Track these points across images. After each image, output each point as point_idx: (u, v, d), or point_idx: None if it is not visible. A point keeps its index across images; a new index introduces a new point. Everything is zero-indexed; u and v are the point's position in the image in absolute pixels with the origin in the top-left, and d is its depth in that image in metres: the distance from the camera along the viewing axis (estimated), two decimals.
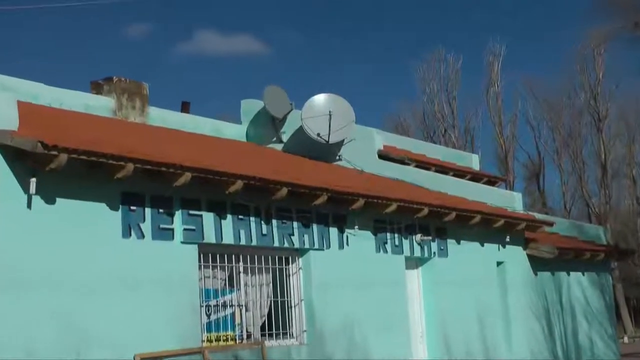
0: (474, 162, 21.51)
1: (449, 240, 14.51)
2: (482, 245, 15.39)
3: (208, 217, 10.26)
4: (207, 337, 10.31)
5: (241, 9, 67.92)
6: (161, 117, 14.55)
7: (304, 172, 13.42)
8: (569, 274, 18.25)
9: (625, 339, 39.08)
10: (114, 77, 13.91)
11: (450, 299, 14.24)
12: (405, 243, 13.53)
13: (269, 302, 11.43)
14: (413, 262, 14.00)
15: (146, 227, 9.49)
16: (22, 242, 8.33)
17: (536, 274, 17.00)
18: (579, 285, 18.61)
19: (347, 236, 12.34)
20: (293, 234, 11.45)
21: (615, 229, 42.91)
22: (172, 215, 9.81)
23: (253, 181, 10.35)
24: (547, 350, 16.94)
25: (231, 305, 10.77)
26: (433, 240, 14.09)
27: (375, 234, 12.89)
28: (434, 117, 48.86)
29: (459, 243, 14.73)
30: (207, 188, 10.14)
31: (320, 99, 16.04)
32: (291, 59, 68.72)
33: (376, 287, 12.70)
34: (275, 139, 16.25)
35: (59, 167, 8.35)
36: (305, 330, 11.58)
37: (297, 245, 11.53)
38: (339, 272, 12.07)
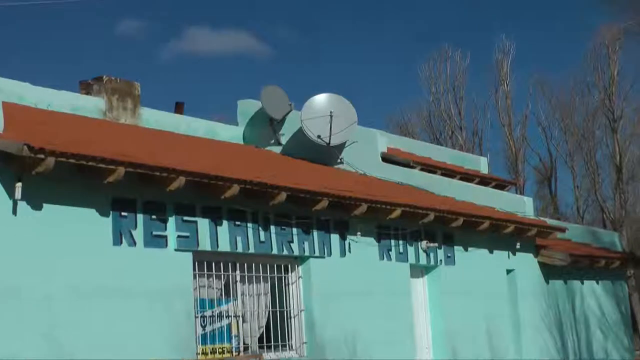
0: (482, 165, 21.53)
1: (456, 247, 14.51)
2: (491, 253, 15.38)
3: (203, 224, 10.26)
4: (202, 349, 10.30)
5: (236, 3, 68.01)
6: (154, 118, 14.56)
7: (303, 176, 13.42)
8: (582, 283, 18.24)
9: None
10: (104, 77, 13.93)
11: (457, 309, 14.24)
12: (410, 250, 13.53)
13: (267, 313, 11.43)
14: (418, 270, 14.00)
15: (138, 234, 9.49)
16: (7, 251, 8.32)
17: (548, 283, 17.00)
18: (593, 295, 18.60)
19: (349, 243, 12.34)
20: (292, 241, 11.45)
21: (631, 235, 42.85)
22: (165, 221, 9.81)
23: (250, 185, 10.35)
24: None
25: (227, 316, 10.77)
26: (439, 247, 14.09)
27: (378, 241, 12.89)
28: (440, 118, 48.83)
29: (466, 250, 14.73)
30: (202, 193, 10.14)
31: (320, 99, 16.06)
32: (290, 57, 68.72)
33: (380, 296, 12.70)
34: (273, 141, 16.27)
35: (46, 171, 8.35)
36: (305, 342, 11.58)
37: (296, 252, 11.53)
38: (340, 280, 12.07)
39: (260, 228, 10.99)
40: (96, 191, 9.06)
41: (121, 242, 9.29)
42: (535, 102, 49.56)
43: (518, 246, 15.94)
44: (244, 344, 10.93)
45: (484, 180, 19.57)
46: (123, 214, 9.36)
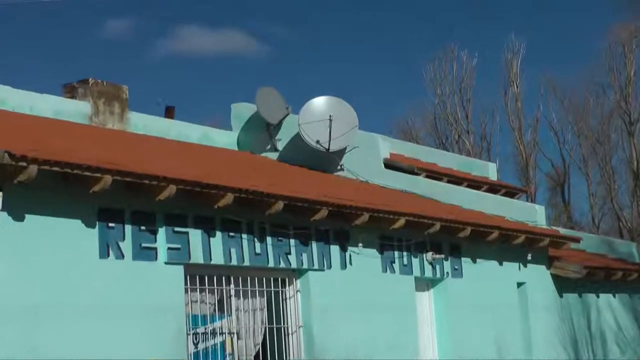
0: (490, 171, 21.55)
1: (463, 259, 14.51)
2: (501, 264, 15.39)
3: (195, 235, 10.27)
4: None
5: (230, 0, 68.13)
6: (142, 123, 14.60)
7: (301, 184, 13.44)
8: (598, 296, 18.24)
9: None
10: (90, 79, 13.97)
11: (465, 325, 14.24)
12: (415, 262, 13.53)
13: (263, 329, 11.43)
14: (424, 284, 14.00)
15: (126, 246, 9.49)
16: None
17: (561, 296, 17.00)
18: (609, 309, 18.60)
19: (350, 255, 12.35)
20: (290, 253, 11.46)
21: None
22: (154, 232, 9.82)
23: (245, 194, 10.36)
24: None
25: (221, 333, 10.77)
26: (446, 259, 14.10)
27: (381, 253, 12.90)
28: (446, 121, 48.89)
29: (474, 262, 14.74)
30: (194, 202, 10.15)
31: (319, 102, 16.09)
32: (287, 57, 68.82)
33: (383, 311, 12.70)
34: (269, 147, 16.30)
35: (28, 180, 8.35)
36: None
37: (294, 265, 11.54)
38: (341, 295, 12.07)
39: (255, 239, 11.00)
40: (81, 201, 9.06)
41: (108, 255, 9.29)
42: (546, 104, 49.62)
43: (529, 257, 15.94)
44: None
45: (492, 188, 19.59)
46: (110, 225, 9.36)
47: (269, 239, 11.17)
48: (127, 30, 66.80)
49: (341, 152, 16.01)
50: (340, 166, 16.02)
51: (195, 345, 10.38)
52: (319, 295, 11.80)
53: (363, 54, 65.19)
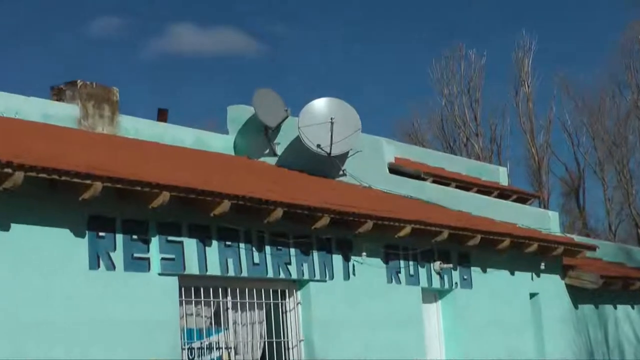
0: (501, 176, 21.56)
1: (473, 269, 14.53)
2: (513, 274, 15.41)
3: (190, 244, 10.28)
4: None
5: None
6: (134, 126, 14.62)
7: (302, 190, 13.46)
8: (615, 308, 18.24)
9: None
10: (79, 81, 14.00)
11: (475, 338, 14.25)
12: (422, 272, 13.55)
13: (262, 344, 11.45)
14: (431, 295, 14.02)
15: (117, 256, 9.50)
16: None
17: (577, 308, 17.01)
18: (627, 320, 18.61)
19: (353, 265, 12.37)
20: (290, 263, 11.48)
21: None
22: (147, 242, 9.84)
23: (242, 201, 10.38)
24: None
25: (218, 348, 10.78)
26: (454, 269, 14.12)
27: (386, 262, 12.91)
28: (453, 123, 48.93)
29: (485, 272, 14.75)
30: (189, 210, 10.17)
31: (320, 104, 16.11)
32: (286, 57, 68.92)
33: (388, 324, 12.71)
34: (268, 151, 16.32)
35: (14, 188, 8.37)
36: None
37: (294, 276, 11.56)
38: (344, 307, 12.09)
39: (253, 249, 11.01)
40: (70, 209, 9.08)
41: (98, 266, 9.30)
42: (560, 105, 49.65)
43: (543, 267, 15.96)
44: None
45: (503, 193, 19.60)
46: (100, 234, 9.38)
47: (267, 249, 11.18)
48: (117, 29, 66.89)
49: (343, 157, 16.02)
50: (343, 171, 16.04)
51: None
52: (320, 307, 11.81)
53: (366, 53, 65.28)
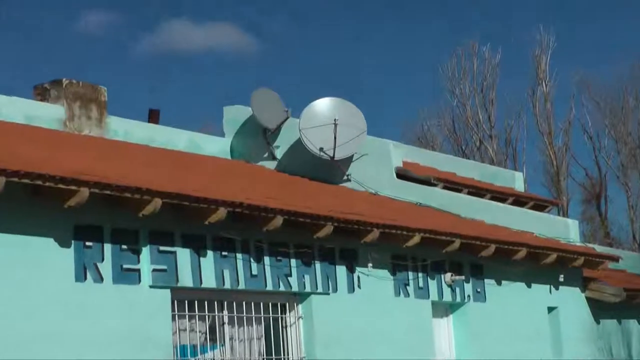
0: (517, 181, 21.59)
1: (486, 281, 14.53)
2: (529, 287, 15.40)
3: (183, 255, 10.29)
4: None
5: None
6: (123, 128, 14.63)
7: (303, 197, 13.47)
8: (639, 322, 18.22)
9: None
10: (64, 80, 14.01)
11: (488, 354, 14.24)
12: (432, 284, 13.55)
13: None
14: (442, 309, 14.02)
15: (105, 267, 9.51)
16: None
17: (598, 323, 16.99)
18: None
19: (358, 276, 12.37)
20: (290, 275, 11.48)
21: None
22: (138, 252, 9.84)
23: (239, 208, 10.38)
24: None
25: None
26: (467, 281, 14.11)
27: (393, 274, 12.91)
28: (466, 125, 48.93)
29: (499, 284, 14.75)
30: (182, 218, 10.17)
31: (322, 104, 16.13)
32: (286, 54, 69.00)
33: (396, 340, 12.71)
34: (266, 154, 16.33)
35: None
36: None
37: (295, 288, 11.56)
38: (348, 321, 12.08)
39: (251, 259, 11.02)
40: (55, 217, 9.09)
41: (85, 278, 9.30)
42: (580, 106, 49.66)
43: (561, 279, 15.95)
44: None
45: (519, 200, 19.62)
46: (87, 243, 9.38)
47: (266, 259, 11.18)
48: (106, 24, 67.00)
49: (348, 161, 16.03)
50: (347, 176, 16.05)
51: None
52: (323, 322, 11.81)
53: (372, 50, 65.30)
